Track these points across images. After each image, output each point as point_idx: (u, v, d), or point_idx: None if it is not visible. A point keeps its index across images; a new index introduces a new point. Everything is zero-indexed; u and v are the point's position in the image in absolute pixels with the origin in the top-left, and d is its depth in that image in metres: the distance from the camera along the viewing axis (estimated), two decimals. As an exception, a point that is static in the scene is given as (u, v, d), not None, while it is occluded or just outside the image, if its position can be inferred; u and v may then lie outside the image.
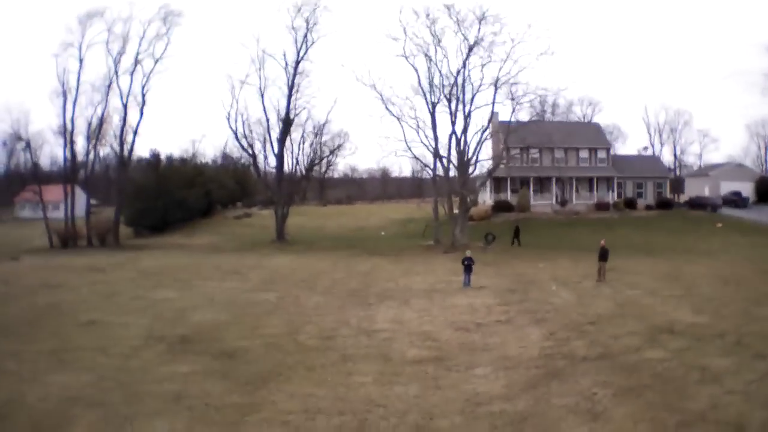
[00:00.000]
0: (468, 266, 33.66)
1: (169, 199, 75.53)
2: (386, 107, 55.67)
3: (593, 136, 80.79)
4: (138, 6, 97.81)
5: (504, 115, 61.93)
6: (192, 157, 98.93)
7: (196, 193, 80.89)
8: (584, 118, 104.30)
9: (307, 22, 64.01)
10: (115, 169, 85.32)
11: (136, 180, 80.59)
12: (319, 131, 70.55)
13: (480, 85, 55.42)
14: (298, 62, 64.78)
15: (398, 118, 55.97)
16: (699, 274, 35.94)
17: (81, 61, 63.49)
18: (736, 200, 76.49)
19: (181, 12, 75.41)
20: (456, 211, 55.41)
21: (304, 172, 76.48)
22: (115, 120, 66.31)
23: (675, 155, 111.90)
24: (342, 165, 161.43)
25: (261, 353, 20.06)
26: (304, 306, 28.30)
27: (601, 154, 78.48)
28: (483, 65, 54.89)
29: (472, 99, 55.16)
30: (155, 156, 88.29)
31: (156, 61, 65.49)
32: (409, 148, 55.92)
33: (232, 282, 35.85)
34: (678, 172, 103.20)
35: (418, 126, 56.07)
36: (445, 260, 45.27)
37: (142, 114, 66.06)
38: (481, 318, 25.18)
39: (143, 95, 65.60)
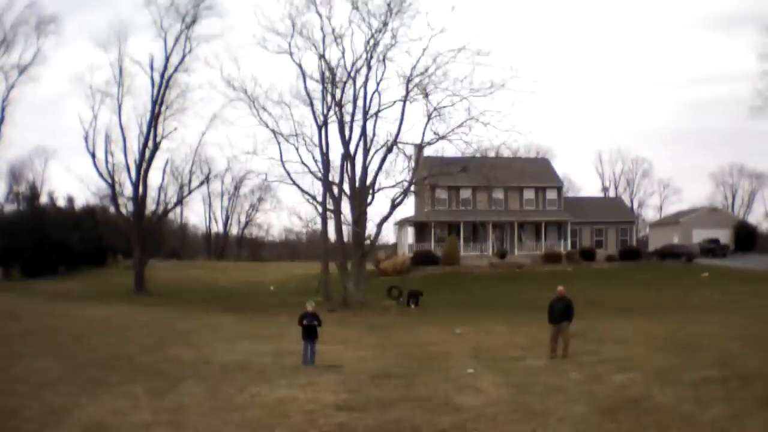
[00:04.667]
0: (309, 329, 18.56)
1: (43, 240, 63.59)
2: (258, 116, 40.72)
3: (541, 172, 65.78)
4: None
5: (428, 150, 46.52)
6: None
7: (81, 237, 68.49)
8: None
9: (183, 19, 49.57)
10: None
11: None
12: (188, 160, 55.74)
13: (382, 79, 41.25)
14: (165, 71, 51.05)
15: (274, 132, 40.91)
16: (722, 338, 21.48)
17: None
18: (713, 248, 63.30)
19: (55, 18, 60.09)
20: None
21: (162, 212, 59.53)
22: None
23: (632, 209, 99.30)
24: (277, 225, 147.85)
25: None
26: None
27: (551, 195, 63.55)
28: (385, 50, 40.39)
29: (370, 103, 40.82)
30: (32, 189, 74.08)
31: (20, 72, 55.18)
32: (288, 174, 40.84)
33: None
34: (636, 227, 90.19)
35: (304, 143, 41.30)
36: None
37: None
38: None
39: (2, 109, 56.49)
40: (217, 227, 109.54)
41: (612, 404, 12.67)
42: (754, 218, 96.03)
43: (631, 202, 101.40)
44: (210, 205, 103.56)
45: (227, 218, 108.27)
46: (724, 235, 68.10)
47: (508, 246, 60.12)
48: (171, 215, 79.36)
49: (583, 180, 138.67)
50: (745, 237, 69.61)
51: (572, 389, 14.24)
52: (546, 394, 13.85)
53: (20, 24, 54.57)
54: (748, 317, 27.32)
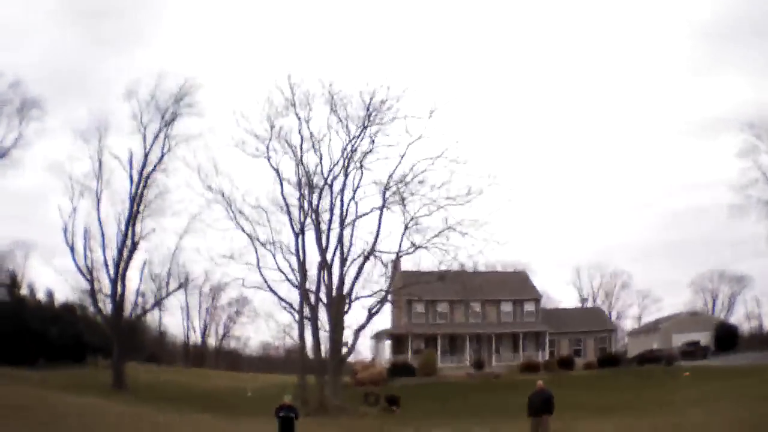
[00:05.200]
0: (285, 422, 18.69)
1: (23, 330, 60.42)
2: (235, 220, 41.11)
3: (519, 285, 65.90)
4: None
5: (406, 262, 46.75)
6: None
7: (61, 332, 65.49)
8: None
9: (163, 116, 48.79)
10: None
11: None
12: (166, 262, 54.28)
13: (358, 186, 41.79)
14: (143, 169, 49.94)
15: (251, 237, 41.15)
16: (706, 425, 20.94)
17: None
18: (693, 351, 63.04)
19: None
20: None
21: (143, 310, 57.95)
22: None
23: (611, 319, 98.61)
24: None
25: None
26: None
27: (529, 307, 63.44)
28: (362, 157, 40.94)
29: (346, 211, 41.20)
30: (13, 279, 72.31)
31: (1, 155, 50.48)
32: (265, 281, 40.95)
33: None
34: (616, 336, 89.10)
35: (281, 250, 41.56)
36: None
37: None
38: None
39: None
40: (195, 337, 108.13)
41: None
42: (736, 319, 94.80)
43: (610, 314, 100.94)
44: (188, 314, 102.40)
45: (205, 329, 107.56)
46: (705, 338, 67.61)
47: (486, 357, 59.49)
48: (150, 321, 77.69)
49: (561, 294, 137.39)
50: (726, 338, 68.70)
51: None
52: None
53: (3, 104, 50.66)
54: (731, 408, 26.99)
